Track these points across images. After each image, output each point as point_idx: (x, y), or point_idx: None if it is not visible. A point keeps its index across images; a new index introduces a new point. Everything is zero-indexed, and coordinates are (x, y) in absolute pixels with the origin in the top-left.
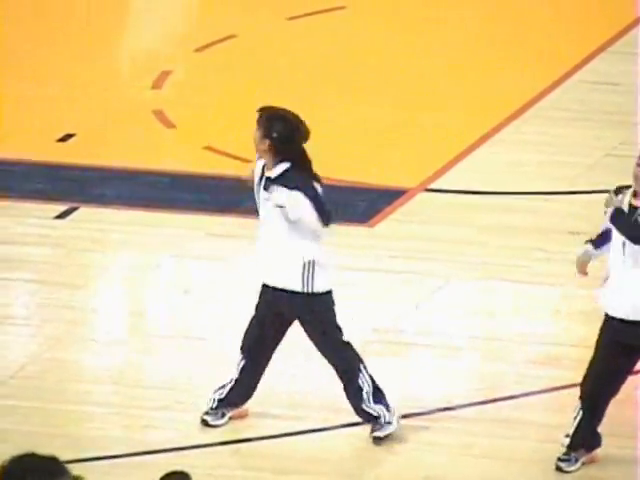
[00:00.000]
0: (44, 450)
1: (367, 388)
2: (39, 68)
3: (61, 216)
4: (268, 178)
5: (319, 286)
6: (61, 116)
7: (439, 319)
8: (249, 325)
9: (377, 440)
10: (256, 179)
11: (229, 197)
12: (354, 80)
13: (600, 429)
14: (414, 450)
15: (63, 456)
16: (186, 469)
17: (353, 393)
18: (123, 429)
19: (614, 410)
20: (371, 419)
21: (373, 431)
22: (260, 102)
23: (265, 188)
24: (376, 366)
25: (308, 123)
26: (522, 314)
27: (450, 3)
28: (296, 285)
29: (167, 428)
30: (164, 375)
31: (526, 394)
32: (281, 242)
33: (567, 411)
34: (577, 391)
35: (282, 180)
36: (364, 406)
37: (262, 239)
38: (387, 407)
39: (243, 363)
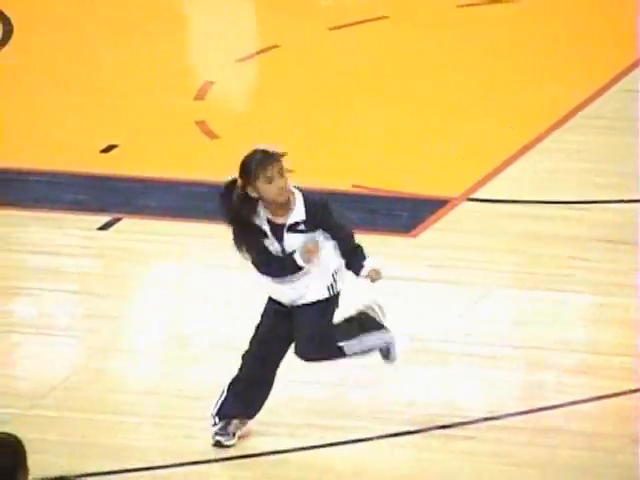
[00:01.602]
0: (85, 461)
1: None
2: (82, 79)
3: (104, 227)
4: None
5: None
6: (104, 127)
7: (481, 328)
8: None
9: None
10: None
11: None
12: (397, 89)
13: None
14: (455, 459)
15: (104, 467)
16: None
17: None
18: (163, 440)
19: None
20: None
21: None
22: (303, 112)
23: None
24: (418, 375)
25: (350, 131)
26: (563, 323)
27: (493, 12)
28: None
29: (206, 438)
30: (203, 386)
31: (568, 403)
32: None
33: (609, 420)
34: (619, 400)
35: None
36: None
37: None
38: None
39: None
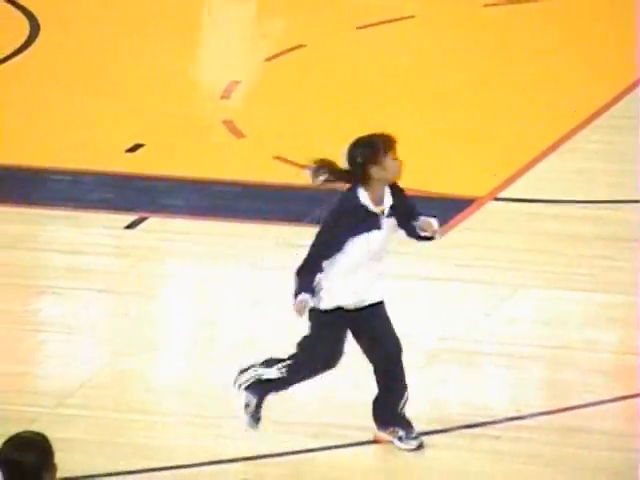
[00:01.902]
0: (111, 459)
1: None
2: (108, 79)
3: (131, 226)
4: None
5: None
6: (130, 126)
7: (507, 328)
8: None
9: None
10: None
11: (298, 207)
12: (423, 89)
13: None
14: (481, 459)
15: (130, 465)
16: (253, 479)
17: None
18: (189, 439)
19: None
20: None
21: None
22: (329, 111)
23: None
24: (444, 375)
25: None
26: (590, 323)
27: (520, 12)
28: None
29: (234, 438)
30: (229, 385)
31: (594, 403)
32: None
33: (635, 420)
34: None
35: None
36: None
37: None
38: None
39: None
